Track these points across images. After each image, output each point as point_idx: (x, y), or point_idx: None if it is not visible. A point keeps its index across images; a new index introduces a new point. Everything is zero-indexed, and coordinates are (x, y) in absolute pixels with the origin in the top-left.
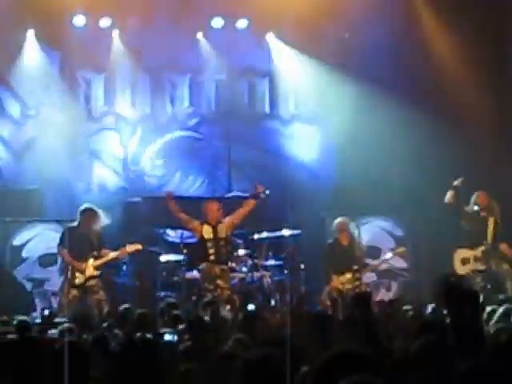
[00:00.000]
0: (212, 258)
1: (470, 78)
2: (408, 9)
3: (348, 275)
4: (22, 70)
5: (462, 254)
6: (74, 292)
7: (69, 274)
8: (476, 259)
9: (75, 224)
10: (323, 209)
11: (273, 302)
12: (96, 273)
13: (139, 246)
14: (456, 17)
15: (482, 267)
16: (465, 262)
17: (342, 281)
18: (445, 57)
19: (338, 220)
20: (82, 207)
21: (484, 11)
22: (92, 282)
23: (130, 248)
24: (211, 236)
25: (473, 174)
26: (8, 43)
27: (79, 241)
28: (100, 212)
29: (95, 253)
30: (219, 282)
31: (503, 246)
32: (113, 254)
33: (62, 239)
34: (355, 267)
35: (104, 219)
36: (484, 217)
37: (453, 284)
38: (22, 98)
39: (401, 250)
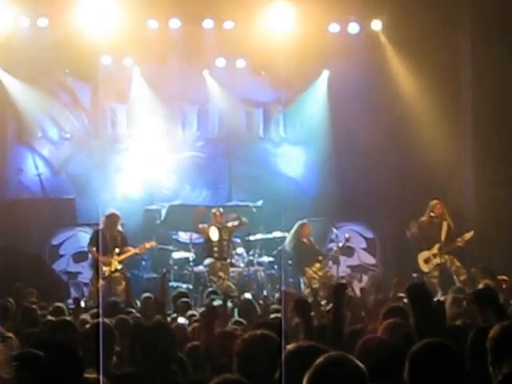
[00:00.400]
0: (216, 255)
1: (430, 107)
2: (379, 53)
3: (317, 265)
4: (60, 101)
5: (423, 255)
6: (102, 283)
7: (97, 268)
8: (434, 256)
9: (102, 226)
10: (306, 215)
11: (265, 292)
12: (120, 266)
13: (154, 243)
14: (419, 59)
15: (438, 261)
16: (427, 261)
17: (314, 270)
18: (408, 90)
19: (299, 223)
20: (107, 212)
21: (443, 54)
22: (116, 274)
23: (148, 244)
24: (216, 237)
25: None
26: (49, 79)
27: (105, 240)
28: (119, 215)
29: (118, 250)
30: (221, 274)
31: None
32: (133, 250)
33: (91, 239)
34: (320, 257)
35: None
36: (439, 222)
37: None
38: (60, 123)
39: (469, 235)
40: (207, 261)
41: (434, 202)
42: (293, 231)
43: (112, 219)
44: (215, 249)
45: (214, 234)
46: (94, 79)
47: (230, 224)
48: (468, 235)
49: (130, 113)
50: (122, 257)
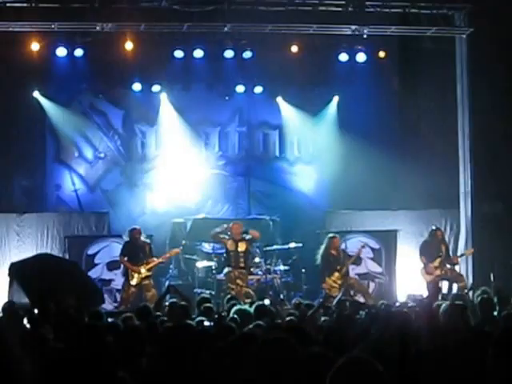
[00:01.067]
0: (232, 264)
1: (429, 126)
2: (383, 78)
3: (336, 274)
4: (94, 123)
5: (429, 268)
6: (132, 289)
7: (128, 276)
8: (436, 268)
9: (128, 239)
10: (318, 228)
11: (281, 297)
12: (149, 273)
13: (178, 250)
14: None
15: (440, 273)
16: (429, 272)
17: (333, 279)
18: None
19: (329, 236)
20: (129, 228)
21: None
22: (146, 282)
23: (171, 253)
24: (233, 248)
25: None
26: (83, 104)
27: (134, 251)
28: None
29: (146, 260)
30: (238, 281)
31: (454, 257)
32: (159, 259)
33: (122, 250)
34: (338, 267)
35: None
36: (439, 244)
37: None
38: (94, 144)
39: (469, 251)
40: (225, 270)
41: (435, 228)
42: (324, 242)
43: (134, 232)
44: (232, 259)
45: (231, 246)
46: (126, 104)
47: (246, 237)
48: (468, 252)
49: (158, 134)
50: (150, 265)
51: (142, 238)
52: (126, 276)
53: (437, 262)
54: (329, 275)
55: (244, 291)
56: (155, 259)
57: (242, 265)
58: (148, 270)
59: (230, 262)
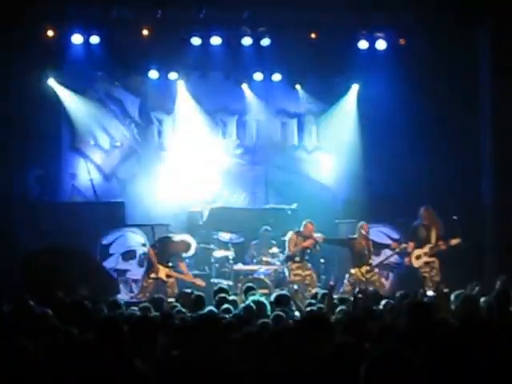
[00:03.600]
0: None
1: (450, 118)
2: (404, 66)
3: (366, 267)
4: (110, 111)
5: (416, 252)
6: (150, 281)
7: (150, 269)
8: (425, 254)
9: (169, 235)
10: (337, 217)
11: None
12: (166, 279)
13: (203, 284)
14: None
15: (428, 260)
16: (418, 257)
17: (362, 271)
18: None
19: (361, 223)
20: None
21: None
22: (170, 281)
23: (196, 282)
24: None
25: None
26: (99, 91)
27: (165, 250)
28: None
29: (171, 264)
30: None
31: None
32: (182, 276)
33: (155, 242)
34: (370, 261)
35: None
36: (429, 226)
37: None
38: (110, 132)
39: (455, 241)
40: (288, 263)
41: (423, 208)
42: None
43: (180, 244)
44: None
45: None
46: (142, 92)
47: (315, 235)
48: (454, 241)
49: (175, 123)
50: (171, 273)
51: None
52: (147, 267)
53: (426, 248)
54: (358, 265)
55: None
56: (180, 272)
57: (306, 257)
58: (166, 276)
59: (293, 257)
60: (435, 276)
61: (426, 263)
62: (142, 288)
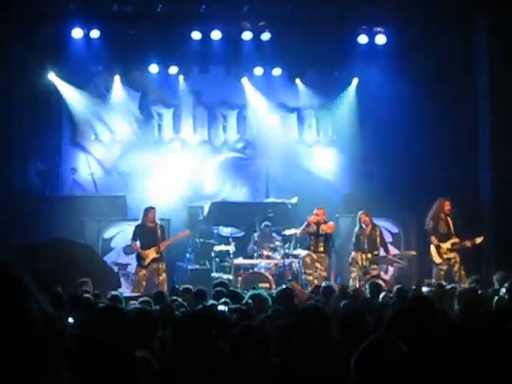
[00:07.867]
0: (312, 247)
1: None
2: (404, 60)
3: (367, 255)
4: (110, 105)
5: (434, 249)
6: (143, 272)
7: (139, 260)
8: (448, 250)
9: (140, 222)
10: (337, 211)
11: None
12: (156, 256)
13: (188, 232)
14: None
15: (450, 255)
16: (440, 253)
17: (362, 257)
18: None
19: (359, 214)
20: (144, 207)
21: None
22: (158, 265)
23: (182, 233)
24: (314, 230)
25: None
26: (99, 86)
27: (146, 234)
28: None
29: (158, 243)
30: (317, 265)
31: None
32: (168, 240)
33: (133, 235)
34: (375, 252)
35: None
36: (446, 218)
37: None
38: (111, 127)
39: (411, 252)
40: (302, 253)
41: (441, 199)
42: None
43: (148, 212)
44: (312, 242)
45: (312, 228)
46: (143, 86)
47: (330, 222)
48: (478, 239)
49: (175, 117)
50: (161, 248)
51: (157, 219)
52: (138, 260)
53: (448, 244)
54: (362, 251)
55: (323, 275)
56: (165, 241)
57: (321, 249)
58: (157, 253)
59: (308, 246)
60: (458, 271)
61: (448, 259)
62: (135, 282)
